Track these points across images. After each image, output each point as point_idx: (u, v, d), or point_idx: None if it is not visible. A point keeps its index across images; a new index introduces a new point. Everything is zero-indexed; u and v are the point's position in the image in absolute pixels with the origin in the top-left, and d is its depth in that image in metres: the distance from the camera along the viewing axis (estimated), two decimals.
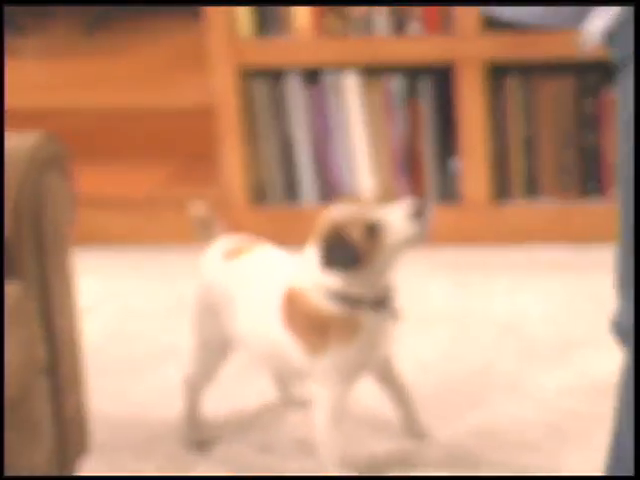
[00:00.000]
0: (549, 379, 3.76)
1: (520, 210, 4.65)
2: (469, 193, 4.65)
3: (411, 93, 4.62)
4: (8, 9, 6.38)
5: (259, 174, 4.79)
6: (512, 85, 4.57)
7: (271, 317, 3.31)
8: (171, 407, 3.66)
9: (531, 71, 4.52)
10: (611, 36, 2.58)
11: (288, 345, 3.30)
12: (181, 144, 5.11)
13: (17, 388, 3.08)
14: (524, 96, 4.56)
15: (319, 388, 3.33)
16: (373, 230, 3.12)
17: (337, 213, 3.18)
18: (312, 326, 3.25)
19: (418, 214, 3.12)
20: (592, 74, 4.44)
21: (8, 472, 3.03)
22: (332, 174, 4.74)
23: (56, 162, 3.23)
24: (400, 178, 4.68)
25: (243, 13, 4.63)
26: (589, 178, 4.55)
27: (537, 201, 4.64)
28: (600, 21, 2.59)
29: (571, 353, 3.79)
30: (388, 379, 3.47)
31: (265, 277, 3.40)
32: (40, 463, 3.20)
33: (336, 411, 3.32)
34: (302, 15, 4.60)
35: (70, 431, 3.30)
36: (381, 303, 3.25)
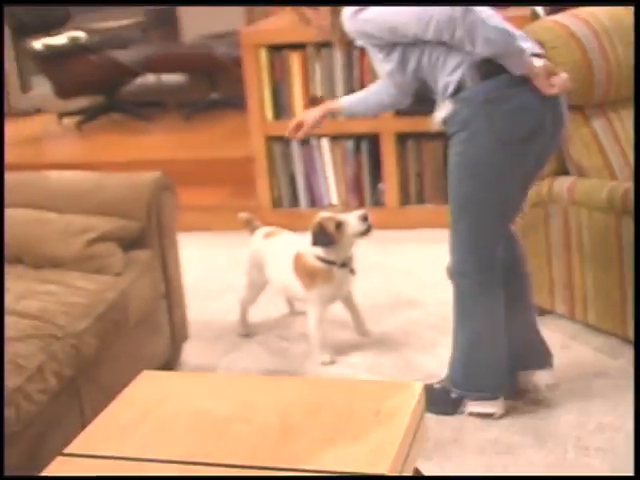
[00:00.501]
0: (431, 298, 3.79)
1: (415, 210, 4.64)
2: (388, 201, 4.65)
3: (357, 150, 4.61)
4: (134, 104, 6.39)
5: (277, 192, 4.78)
6: (411, 145, 4.56)
7: (287, 268, 3.37)
8: (232, 316, 3.66)
9: (420, 137, 4.50)
10: (445, 122, 2.69)
11: (295, 284, 3.36)
12: (235, 177, 5.10)
13: (149, 306, 3.10)
14: (416, 151, 4.56)
15: (310, 307, 3.38)
16: (340, 225, 3.20)
17: (320, 215, 3.25)
18: (307, 274, 3.32)
19: (365, 218, 3.22)
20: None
21: (143, 354, 3.03)
22: (316, 194, 4.72)
23: (168, 187, 3.26)
24: (352, 195, 4.67)
25: (268, 107, 4.61)
26: None
27: (424, 206, 4.63)
28: (440, 113, 2.64)
29: (441, 285, 3.77)
30: (348, 302, 3.52)
31: (284, 248, 3.44)
32: (161, 348, 3.22)
33: (319, 319, 3.37)
34: (299, 109, 4.55)
35: (177, 329, 3.33)
36: (345, 264, 3.32)
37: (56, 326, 2.57)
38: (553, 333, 3.37)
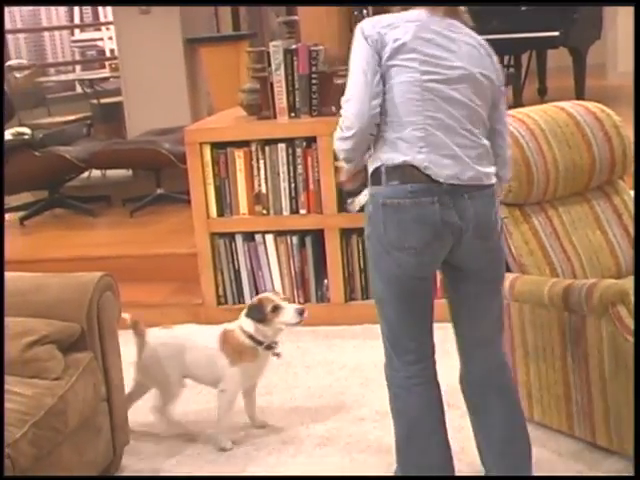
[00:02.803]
0: (376, 395, 3.67)
1: (360, 306, 4.57)
2: (333, 297, 4.61)
3: (301, 245, 4.59)
4: (78, 199, 6.32)
5: (222, 289, 4.71)
6: (354, 240, 4.54)
7: (210, 350, 3.41)
8: (175, 416, 3.55)
9: (363, 232, 4.42)
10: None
11: (220, 362, 3.38)
12: (180, 273, 5.02)
13: (89, 410, 3.02)
14: (360, 246, 4.51)
15: (225, 389, 3.39)
16: (276, 309, 3.30)
17: (263, 294, 3.47)
18: (235, 349, 3.36)
19: (301, 313, 3.29)
20: None
21: (83, 460, 2.94)
22: (261, 290, 4.60)
23: (109, 287, 3.21)
24: (297, 290, 4.63)
25: (212, 204, 4.59)
26: None
27: (369, 302, 4.51)
28: (361, 199, 2.65)
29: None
30: (250, 391, 3.50)
31: (203, 332, 3.54)
32: (102, 451, 3.13)
33: (232, 402, 3.41)
34: (243, 206, 4.56)
35: (118, 432, 3.24)
36: (270, 347, 3.38)
37: None
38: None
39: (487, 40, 2.67)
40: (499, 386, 2.81)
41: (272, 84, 4.53)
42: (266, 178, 4.54)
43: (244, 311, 3.39)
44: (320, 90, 4.51)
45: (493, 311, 2.79)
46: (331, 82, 4.53)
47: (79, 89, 9.60)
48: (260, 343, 3.34)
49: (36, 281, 3.16)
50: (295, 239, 4.58)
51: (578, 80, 8.28)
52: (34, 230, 5.98)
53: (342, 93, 4.37)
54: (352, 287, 4.61)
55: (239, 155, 4.54)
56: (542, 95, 8.90)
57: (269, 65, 4.52)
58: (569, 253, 3.35)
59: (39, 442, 2.63)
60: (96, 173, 7.26)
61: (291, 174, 4.51)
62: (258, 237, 4.61)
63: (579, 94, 8.10)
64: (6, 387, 2.73)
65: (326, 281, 4.61)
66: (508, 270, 3.32)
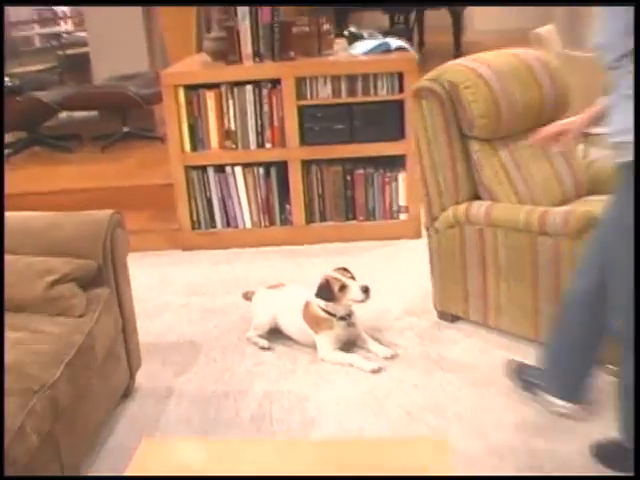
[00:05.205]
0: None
1: (318, 227, 4.05)
2: (295, 220, 4.05)
3: (267, 175, 3.99)
4: (53, 137, 5.52)
5: (196, 215, 4.08)
6: (314, 170, 3.99)
7: (298, 317, 2.88)
8: (172, 335, 3.03)
9: (321, 163, 3.95)
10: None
11: (306, 328, 2.84)
12: (153, 202, 4.35)
13: (111, 341, 2.42)
14: (318, 175, 3.98)
15: (319, 345, 2.80)
16: (343, 288, 2.74)
17: (330, 273, 2.81)
18: (313, 320, 2.84)
19: (366, 290, 2.71)
20: (350, 162, 3.90)
21: (108, 387, 2.34)
22: (230, 215, 4.05)
23: (120, 223, 2.60)
24: (263, 215, 4.05)
25: (186, 140, 3.93)
26: (348, 212, 3.99)
27: (326, 223, 4.05)
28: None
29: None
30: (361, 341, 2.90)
31: (293, 299, 2.97)
32: (121, 376, 2.55)
33: (325, 351, 2.79)
34: (214, 141, 3.92)
35: (133, 358, 2.64)
36: (343, 318, 2.81)
37: (31, 378, 1.87)
38: (470, 338, 2.90)
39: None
40: None
41: (238, 32, 3.85)
42: (235, 116, 3.90)
43: (314, 291, 2.81)
44: (281, 38, 3.86)
45: None
46: (290, 31, 3.89)
47: (38, 44, 8.53)
48: (333, 315, 2.80)
49: (50, 219, 2.50)
50: (261, 170, 3.99)
51: (456, 36, 7.82)
52: (17, 167, 5.14)
53: (299, 41, 3.79)
54: (312, 211, 4.05)
55: (210, 96, 3.89)
56: (420, 48, 8.44)
57: (235, 15, 3.84)
58: (529, 182, 2.87)
59: (75, 379, 2.04)
60: (63, 114, 6.36)
61: (257, 112, 3.88)
62: (228, 169, 3.99)
63: (457, 48, 7.68)
64: (35, 326, 2.13)
65: (288, 206, 4.04)
66: (479, 198, 2.85)
